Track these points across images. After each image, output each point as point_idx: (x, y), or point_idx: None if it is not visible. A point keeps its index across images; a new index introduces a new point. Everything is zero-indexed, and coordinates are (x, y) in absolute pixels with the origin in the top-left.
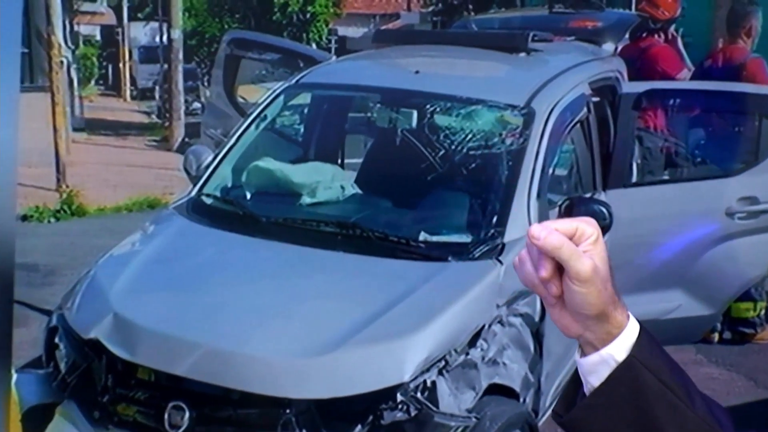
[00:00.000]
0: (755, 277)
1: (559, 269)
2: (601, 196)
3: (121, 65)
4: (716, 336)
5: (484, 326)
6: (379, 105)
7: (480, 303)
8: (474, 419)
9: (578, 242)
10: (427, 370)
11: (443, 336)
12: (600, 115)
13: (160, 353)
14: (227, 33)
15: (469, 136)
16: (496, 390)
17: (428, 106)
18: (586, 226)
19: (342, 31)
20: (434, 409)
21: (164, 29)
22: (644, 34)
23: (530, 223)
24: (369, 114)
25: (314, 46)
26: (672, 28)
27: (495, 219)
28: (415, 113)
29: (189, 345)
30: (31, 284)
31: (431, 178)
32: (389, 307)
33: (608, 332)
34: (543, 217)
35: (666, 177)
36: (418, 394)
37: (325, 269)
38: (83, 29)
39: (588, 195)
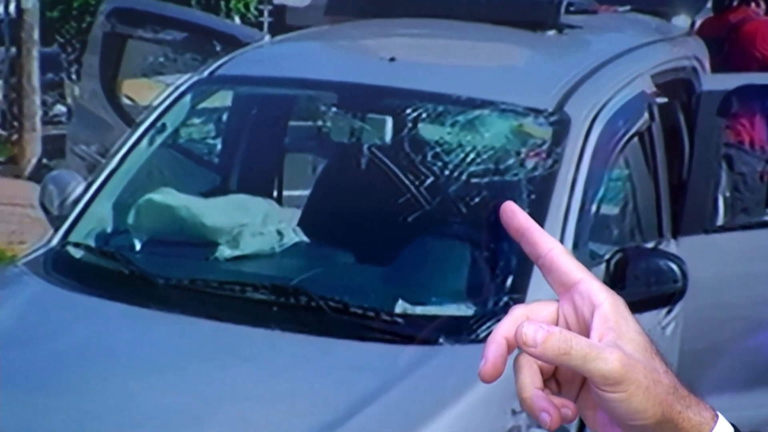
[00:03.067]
0: None
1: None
2: (671, 247)
3: None
4: None
5: None
6: (334, 109)
7: (487, 408)
8: None
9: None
10: None
11: None
12: (669, 125)
13: None
14: (106, 0)
15: (472, 155)
16: None
17: (409, 111)
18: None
19: None
20: None
21: None
22: (735, 3)
23: None
24: (320, 123)
25: (238, 20)
26: None
27: (510, 281)
28: (389, 121)
29: None
30: None
31: (413, 220)
32: (349, 415)
33: None
34: None
35: None
36: None
37: (254, 357)
38: None
39: (650, 245)
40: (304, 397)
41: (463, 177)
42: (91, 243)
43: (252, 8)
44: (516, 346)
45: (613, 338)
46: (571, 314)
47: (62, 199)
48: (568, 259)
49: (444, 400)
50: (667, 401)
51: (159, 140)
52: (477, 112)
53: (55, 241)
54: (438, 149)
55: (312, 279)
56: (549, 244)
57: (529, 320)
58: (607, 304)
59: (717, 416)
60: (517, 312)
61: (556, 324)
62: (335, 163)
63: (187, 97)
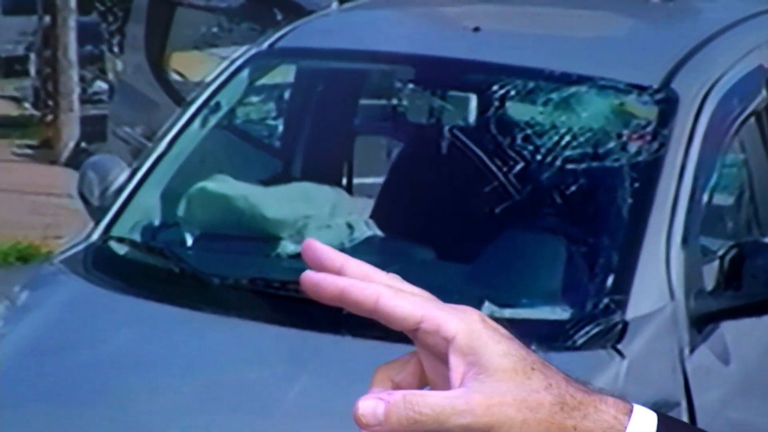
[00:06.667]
0: None
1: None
2: None
3: None
4: None
5: None
6: (411, 86)
7: None
8: None
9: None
10: None
11: None
12: None
13: None
14: None
15: (567, 138)
16: None
17: (496, 88)
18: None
19: None
20: None
21: None
22: None
23: (670, 287)
24: (395, 101)
25: None
26: None
27: (611, 281)
28: (473, 99)
29: None
30: None
31: (501, 211)
32: None
33: None
34: (692, 275)
35: None
36: None
37: (321, 367)
38: None
39: None
40: None
41: (557, 163)
42: (137, 238)
43: None
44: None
45: (474, 374)
46: (431, 359)
47: (103, 188)
48: (399, 301)
49: None
50: (555, 422)
51: (212, 121)
52: (572, 89)
53: (95, 236)
54: (528, 131)
55: None
56: (372, 294)
57: (368, 393)
58: (460, 335)
59: (631, 408)
60: (377, 377)
61: (424, 377)
62: (412, 146)
63: (245, 73)
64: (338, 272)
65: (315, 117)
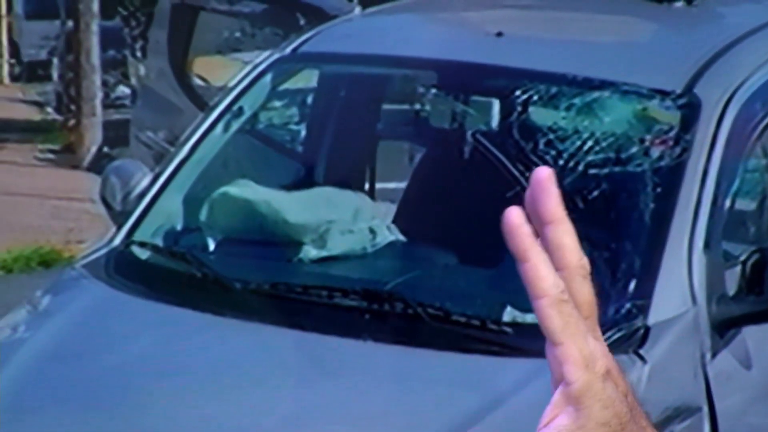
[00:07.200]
0: None
1: None
2: None
3: None
4: None
5: None
6: (434, 90)
7: None
8: None
9: None
10: None
11: None
12: None
13: None
14: None
15: (589, 143)
16: None
17: (518, 93)
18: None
19: None
20: None
21: None
22: None
23: (692, 292)
24: (418, 106)
25: None
26: None
27: (633, 285)
28: (496, 104)
29: None
30: None
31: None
32: None
33: None
34: (714, 281)
35: None
36: None
37: (343, 372)
38: None
39: None
40: (399, 416)
41: (580, 167)
42: (159, 242)
43: None
44: None
45: (565, 421)
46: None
47: (125, 193)
48: (553, 314)
49: None
50: None
51: (235, 126)
52: (595, 94)
53: (117, 241)
54: (551, 136)
55: (409, 283)
56: (540, 291)
57: None
58: (577, 385)
59: None
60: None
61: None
62: (435, 151)
63: (267, 77)
64: (543, 225)
65: (338, 122)
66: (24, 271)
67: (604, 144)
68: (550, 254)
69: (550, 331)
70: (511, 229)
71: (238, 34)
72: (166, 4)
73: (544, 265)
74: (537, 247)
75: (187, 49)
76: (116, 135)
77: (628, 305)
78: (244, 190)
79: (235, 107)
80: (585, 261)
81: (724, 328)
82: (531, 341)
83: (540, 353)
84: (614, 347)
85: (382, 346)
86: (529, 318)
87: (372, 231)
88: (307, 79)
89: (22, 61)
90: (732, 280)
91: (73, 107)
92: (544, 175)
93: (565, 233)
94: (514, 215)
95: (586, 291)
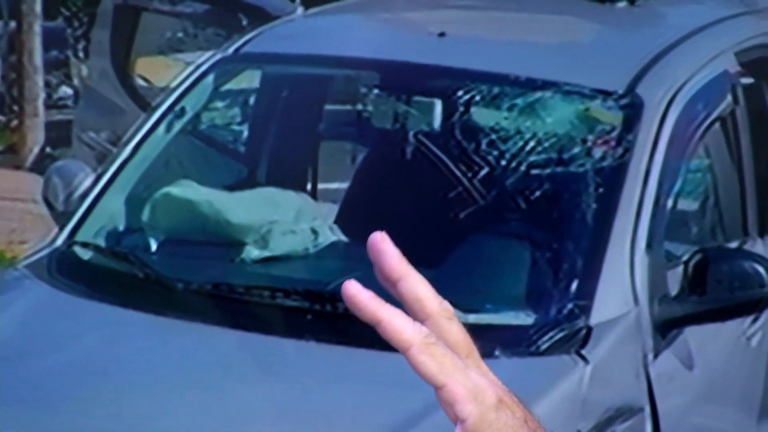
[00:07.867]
0: None
1: None
2: (757, 247)
3: None
4: None
5: None
6: (376, 91)
7: (551, 426)
8: None
9: None
10: None
11: None
12: (755, 108)
13: None
14: None
15: (531, 143)
16: None
17: (461, 93)
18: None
19: None
20: None
21: None
22: None
23: (635, 292)
24: (360, 106)
25: None
26: None
27: (575, 286)
28: (438, 105)
29: None
30: None
31: (465, 216)
32: None
33: None
34: (656, 281)
35: None
36: None
37: (285, 372)
38: None
39: (734, 245)
40: (342, 416)
41: (522, 168)
42: (101, 243)
43: None
44: None
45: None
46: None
47: (68, 193)
48: (427, 360)
49: None
50: None
51: (177, 126)
52: (537, 95)
53: (60, 241)
54: (493, 136)
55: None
56: (404, 342)
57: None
58: (471, 420)
59: None
60: None
61: None
62: (377, 152)
63: (210, 78)
64: (393, 284)
65: (280, 122)
66: None
67: (546, 144)
68: (409, 308)
69: (428, 376)
70: (351, 301)
71: (180, 35)
72: (109, 5)
73: (398, 319)
74: (384, 305)
75: (129, 50)
76: (59, 135)
77: (570, 305)
78: (187, 190)
79: (177, 108)
80: (446, 303)
81: (666, 329)
82: (473, 342)
83: (483, 354)
84: (556, 348)
85: (325, 346)
86: (470, 318)
87: (314, 231)
88: (250, 79)
89: None
90: (674, 281)
91: (15, 108)
92: (377, 239)
93: (416, 285)
94: (350, 287)
95: (455, 330)
